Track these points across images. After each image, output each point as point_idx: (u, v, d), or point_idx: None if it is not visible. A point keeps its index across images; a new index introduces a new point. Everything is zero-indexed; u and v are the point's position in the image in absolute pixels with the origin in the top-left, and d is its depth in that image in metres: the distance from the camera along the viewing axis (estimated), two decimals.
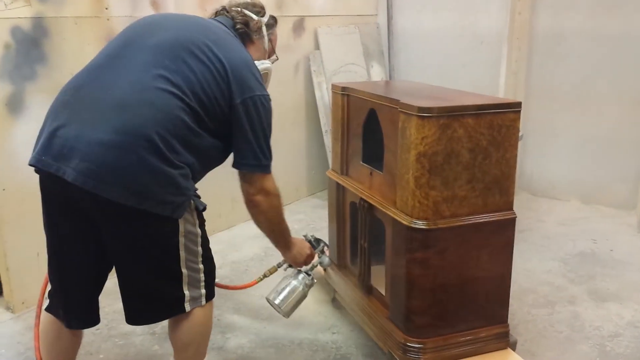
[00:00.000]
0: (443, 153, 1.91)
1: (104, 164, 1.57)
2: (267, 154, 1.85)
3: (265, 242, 3.81)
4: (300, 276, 2.22)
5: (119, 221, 1.65)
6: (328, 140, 4.18)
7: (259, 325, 2.62)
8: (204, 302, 1.84)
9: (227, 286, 2.44)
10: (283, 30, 3.95)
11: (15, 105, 2.57)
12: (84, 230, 1.71)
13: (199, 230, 1.81)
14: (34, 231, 2.67)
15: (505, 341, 2.15)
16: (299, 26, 4.08)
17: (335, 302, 2.72)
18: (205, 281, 1.84)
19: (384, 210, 2.13)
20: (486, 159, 1.98)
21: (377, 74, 4.65)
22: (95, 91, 1.66)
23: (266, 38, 2.01)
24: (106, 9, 2.84)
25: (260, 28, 1.99)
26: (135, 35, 1.78)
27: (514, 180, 2.07)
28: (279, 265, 2.33)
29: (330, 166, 2.65)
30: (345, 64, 4.35)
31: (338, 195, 2.55)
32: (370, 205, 2.24)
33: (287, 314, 2.22)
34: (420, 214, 1.95)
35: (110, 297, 2.80)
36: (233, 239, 3.55)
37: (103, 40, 2.83)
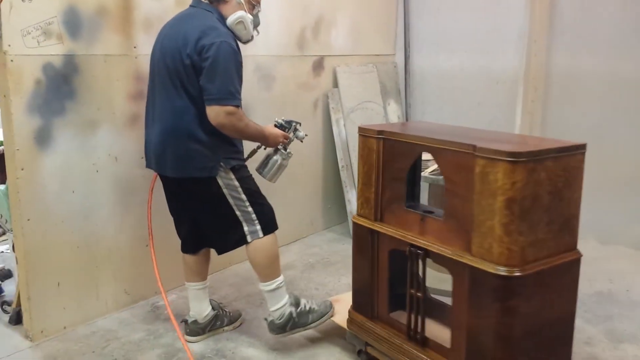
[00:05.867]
0: (530, 197, 1.88)
1: (158, 155, 2.49)
2: (229, 89, 2.30)
3: None
4: (279, 152, 2.64)
5: (183, 187, 2.53)
6: (344, 175, 4.24)
7: None
8: (261, 234, 2.54)
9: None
10: (303, 69, 4.07)
11: (43, 139, 2.67)
12: (177, 198, 2.65)
13: (237, 183, 2.48)
14: (56, 261, 2.75)
15: None
16: (318, 65, 4.18)
17: (362, 355, 2.56)
18: (258, 219, 2.53)
19: (452, 257, 2.05)
20: (561, 201, 1.98)
21: (394, 111, 4.73)
22: (151, 111, 2.54)
23: None
24: (134, 47, 2.96)
25: None
26: (154, 63, 2.53)
27: (579, 220, 2.08)
28: (259, 147, 2.72)
29: (356, 211, 2.51)
30: (363, 101, 4.43)
31: (372, 242, 2.41)
32: (427, 252, 2.16)
33: (271, 180, 2.68)
34: (509, 261, 1.89)
35: (127, 329, 2.85)
36: (248, 272, 3.56)
37: (131, 78, 2.94)
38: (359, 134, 2.43)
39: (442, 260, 2.11)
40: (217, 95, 2.29)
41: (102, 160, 2.88)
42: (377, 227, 2.38)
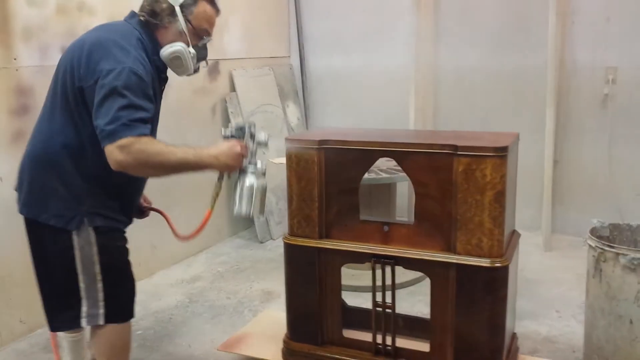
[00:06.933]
0: (508, 188, 1.98)
1: (18, 184, 1.96)
2: (121, 119, 1.74)
3: (189, 288, 3.73)
4: (248, 173, 1.98)
5: (30, 229, 1.95)
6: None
7: None
8: (101, 321, 1.93)
9: (196, 232, 2.27)
10: (198, 75, 3.95)
11: None
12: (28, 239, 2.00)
13: (94, 250, 1.90)
14: None
15: None
16: (214, 69, 4.12)
17: None
18: (105, 302, 1.93)
19: (433, 259, 2.05)
20: (513, 185, 2.14)
21: (293, 113, 4.76)
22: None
23: (181, 19, 1.94)
24: (15, 59, 2.76)
25: (172, 11, 1.93)
26: (50, 86, 1.97)
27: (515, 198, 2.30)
28: (220, 179, 2.08)
29: (289, 232, 2.28)
30: (262, 104, 4.43)
31: (319, 262, 2.23)
32: (398, 259, 2.11)
33: (260, 213, 2.02)
34: (498, 252, 1.97)
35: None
36: (154, 287, 3.45)
37: (12, 92, 2.75)
38: (293, 147, 2.19)
39: (416, 265, 2.10)
40: (106, 131, 1.73)
41: None
42: (325, 244, 2.21)
